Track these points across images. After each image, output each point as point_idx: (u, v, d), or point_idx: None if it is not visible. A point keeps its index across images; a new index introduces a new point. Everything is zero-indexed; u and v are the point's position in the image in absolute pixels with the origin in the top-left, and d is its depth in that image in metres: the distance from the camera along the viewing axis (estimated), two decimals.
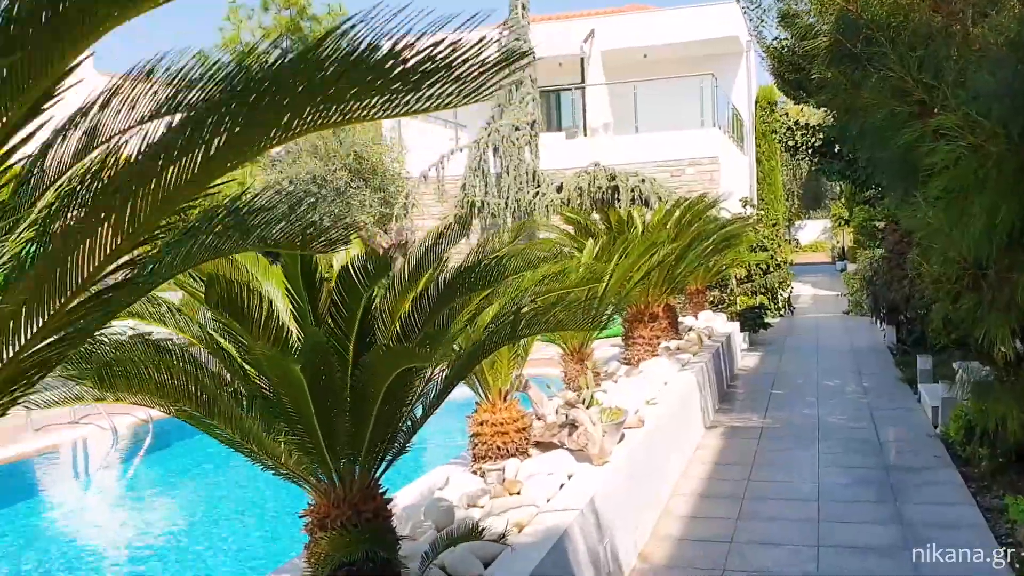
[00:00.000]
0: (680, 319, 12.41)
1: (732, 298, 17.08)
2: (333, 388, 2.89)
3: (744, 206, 19.28)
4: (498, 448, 5.04)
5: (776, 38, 10.89)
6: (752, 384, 11.94)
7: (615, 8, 27.70)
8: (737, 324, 14.28)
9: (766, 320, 15.95)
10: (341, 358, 2.99)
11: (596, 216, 9.40)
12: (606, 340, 12.47)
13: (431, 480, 4.98)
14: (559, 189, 17.45)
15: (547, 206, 17.18)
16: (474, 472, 5.10)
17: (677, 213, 9.51)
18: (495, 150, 18.19)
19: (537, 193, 17.65)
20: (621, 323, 9.21)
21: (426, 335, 2.99)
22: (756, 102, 28.63)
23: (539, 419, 5.70)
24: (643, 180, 17.64)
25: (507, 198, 17.92)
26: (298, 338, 2.91)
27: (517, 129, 18.12)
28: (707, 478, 7.52)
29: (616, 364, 8.98)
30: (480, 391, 5.19)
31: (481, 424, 5.12)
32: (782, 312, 19.32)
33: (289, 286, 2.93)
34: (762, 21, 11.30)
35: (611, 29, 24.95)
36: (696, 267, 11.69)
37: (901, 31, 6.06)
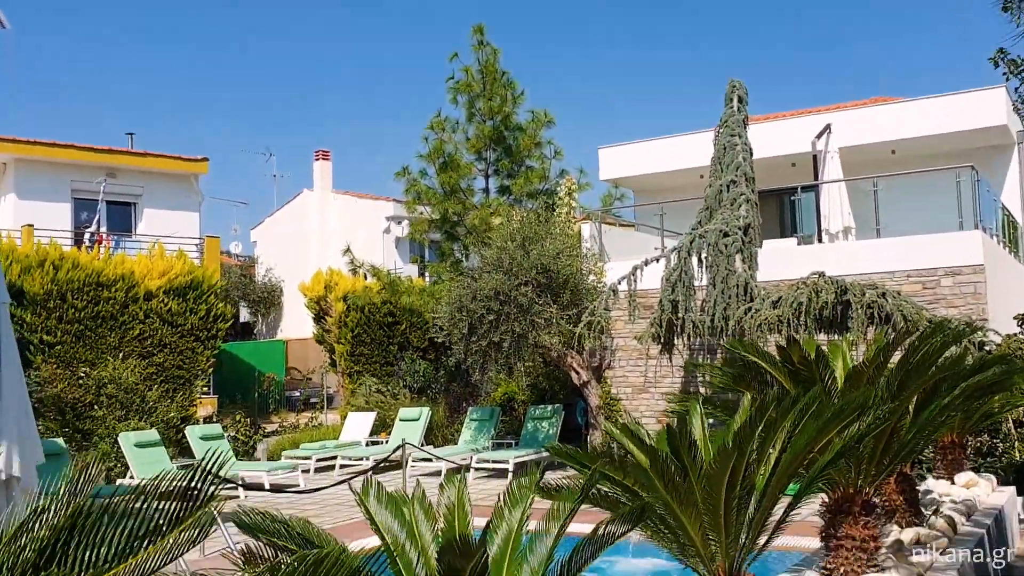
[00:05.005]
0: (924, 486, 9.13)
1: (1009, 444, 13.19)
2: None
3: (1020, 324, 15.37)
4: None
5: None
6: None
7: (856, 102, 24.57)
8: (1012, 489, 10.59)
9: None
10: None
11: (775, 350, 6.30)
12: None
13: None
14: (775, 304, 14.46)
15: (760, 325, 14.24)
16: None
17: (901, 352, 6.47)
18: (699, 259, 15.59)
19: (749, 310, 14.76)
20: (820, 508, 6.23)
21: None
22: None
23: None
24: (883, 294, 14.29)
25: (713, 315, 15.17)
26: None
27: (726, 235, 15.46)
28: None
29: None
30: None
31: None
32: None
33: None
34: None
35: (851, 123, 21.91)
36: (947, 418, 8.46)
37: None
